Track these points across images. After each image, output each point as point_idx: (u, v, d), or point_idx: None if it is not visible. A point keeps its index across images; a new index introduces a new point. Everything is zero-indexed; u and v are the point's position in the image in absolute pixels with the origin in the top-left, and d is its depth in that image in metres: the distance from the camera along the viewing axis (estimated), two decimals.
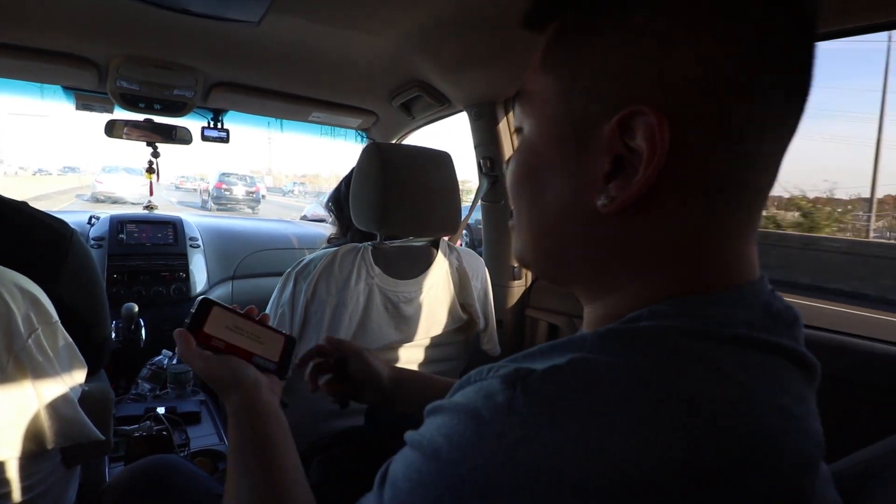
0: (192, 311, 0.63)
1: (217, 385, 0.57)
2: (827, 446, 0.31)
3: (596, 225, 0.34)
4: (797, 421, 0.29)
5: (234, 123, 1.83)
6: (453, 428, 0.29)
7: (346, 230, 1.17)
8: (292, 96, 1.59)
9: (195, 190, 23.55)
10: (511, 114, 1.40)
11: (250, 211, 16.41)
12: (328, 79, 1.42)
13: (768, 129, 0.31)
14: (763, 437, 0.26)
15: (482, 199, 1.53)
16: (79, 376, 0.70)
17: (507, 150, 1.42)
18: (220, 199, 16.46)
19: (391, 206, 0.93)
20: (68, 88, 1.56)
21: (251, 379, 0.57)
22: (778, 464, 0.26)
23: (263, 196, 18.47)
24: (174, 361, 1.48)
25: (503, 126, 1.39)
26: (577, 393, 0.27)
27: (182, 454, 1.14)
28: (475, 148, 1.49)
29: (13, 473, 0.63)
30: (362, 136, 2.04)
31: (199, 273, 1.85)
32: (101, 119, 1.68)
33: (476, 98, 1.36)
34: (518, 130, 0.40)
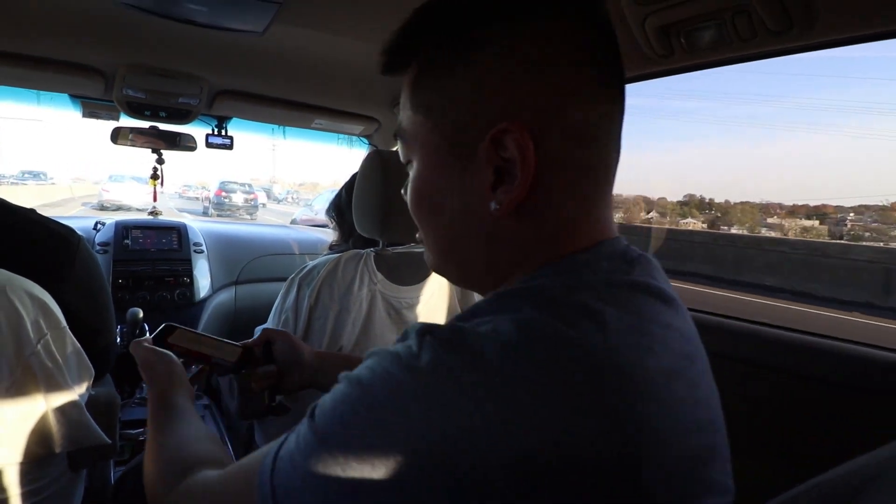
0: (155, 332, 0.75)
1: (149, 373, 0.69)
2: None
3: (493, 229, 0.41)
4: (653, 337, 0.34)
5: (239, 130, 1.85)
6: (377, 363, 0.34)
7: (348, 237, 1.18)
8: (295, 103, 1.61)
9: (197, 198, 24.29)
10: None
11: (249, 217, 16.92)
12: (331, 86, 1.44)
13: (603, 123, 0.39)
14: (620, 353, 0.32)
15: None
16: (86, 381, 0.71)
17: None
18: (220, 206, 17.24)
19: (393, 213, 0.94)
20: (75, 97, 1.59)
21: (179, 376, 0.69)
22: (639, 374, 0.32)
23: (263, 204, 19.46)
24: None
25: None
26: (472, 340, 0.32)
27: None
28: None
29: (22, 477, 0.64)
30: (364, 143, 2.06)
31: (203, 278, 1.87)
32: (94, 124, 1.70)
33: None
34: (407, 163, 0.46)
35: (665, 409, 0.32)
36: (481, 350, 0.31)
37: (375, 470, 0.30)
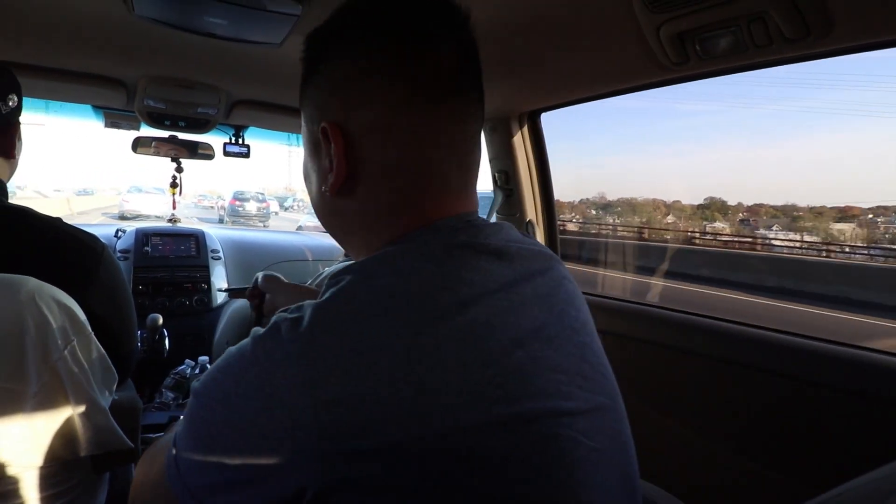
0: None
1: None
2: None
3: (333, 206, 0.51)
4: (459, 280, 0.42)
5: (255, 139, 1.88)
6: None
7: None
8: None
9: (212, 207, 25.04)
10: (526, 128, 1.41)
11: (262, 224, 17.43)
12: None
13: (415, 128, 0.46)
14: (412, 289, 0.40)
15: (497, 213, 1.54)
16: (110, 386, 0.73)
17: (523, 164, 1.44)
18: (234, 215, 17.93)
19: None
20: (98, 107, 1.63)
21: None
22: (429, 303, 0.40)
23: (275, 212, 20.44)
24: (196, 371, 1.51)
25: (518, 140, 1.41)
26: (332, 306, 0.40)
27: None
28: (490, 161, 1.51)
29: (47, 479, 0.66)
30: None
31: (220, 285, 1.89)
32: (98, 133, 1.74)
33: (491, 112, 1.39)
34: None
35: (455, 329, 0.39)
36: (301, 317, 0.39)
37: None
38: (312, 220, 11.43)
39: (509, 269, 0.45)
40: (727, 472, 1.10)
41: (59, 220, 0.82)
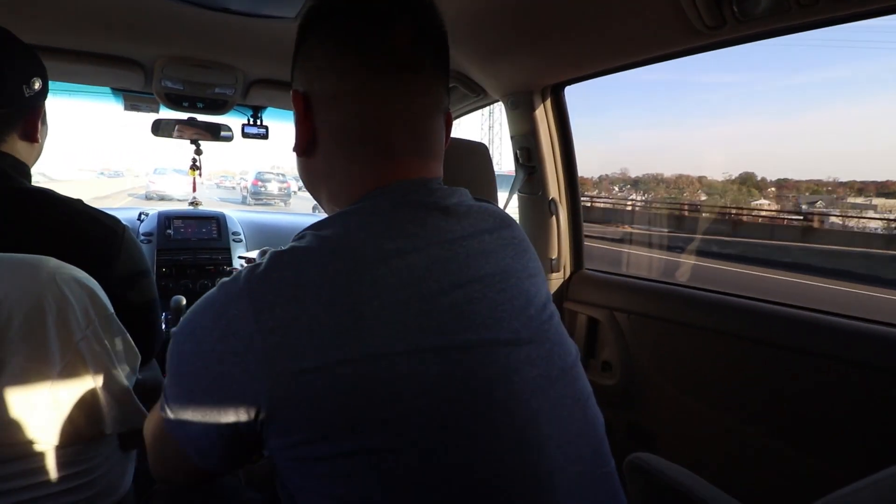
0: None
1: None
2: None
3: (302, 164, 0.58)
4: (402, 231, 0.47)
5: (274, 120, 1.87)
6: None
7: None
8: None
9: (233, 188, 26.21)
10: (549, 103, 1.37)
11: (283, 204, 18.40)
12: None
13: (372, 97, 0.51)
14: (352, 238, 0.46)
15: (518, 192, 1.51)
16: (133, 365, 0.73)
17: (545, 141, 1.39)
18: (257, 195, 18.78)
19: None
20: (117, 90, 1.63)
21: None
22: (370, 250, 0.45)
23: (295, 192, 21.05)
24: None
25: (540, 116, 1.37)
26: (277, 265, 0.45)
27: None
28: (511, 138, 1.47)
29: (76, 456, 0.67)
30: None
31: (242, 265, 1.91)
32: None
33: (513, 87, 1.34)
34: None
35: (394, 269, 0.44)
36: (260, 263, 0.45)
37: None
38: None
39: (457, 225, 0.50)
40: (759, 455, 1.07)
41: (79, 201, 0.82)
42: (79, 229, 0.77)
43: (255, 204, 18.03)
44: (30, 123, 0.81)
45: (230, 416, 0.43)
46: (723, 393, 1.14)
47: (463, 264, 0.48)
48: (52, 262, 0.63)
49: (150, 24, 1.13)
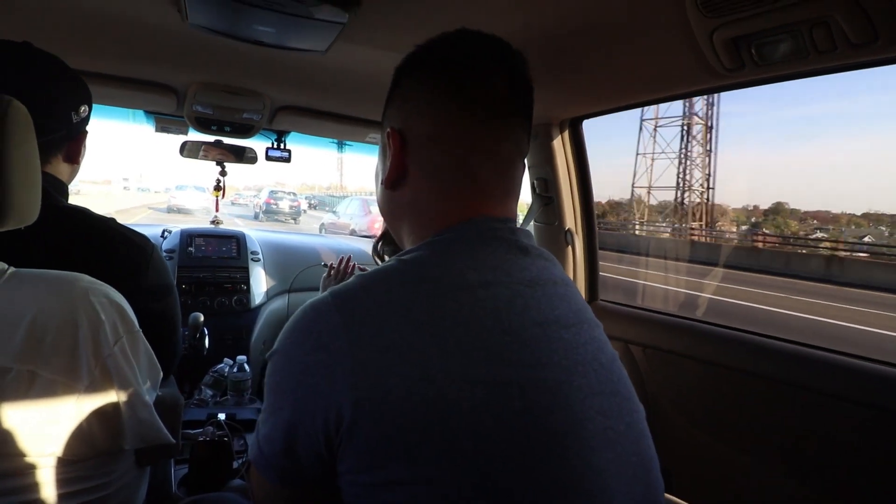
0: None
1: None
2: None
3: (387, 196, 0.62)
4: (484, 262, 0.49)
5: (294, 144, 1.92)
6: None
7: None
8: (351, 118, 1.66)
9: (247, 205, 27.79)
10: (567, 135, 1.39)
11: (293, 221, 19.82)
12: None
13: (466, 140, 0.55)
14: (440, 267, 0.49)
15: (535, 221, 1.52)
16: (155, 382, 0.75)
17: (563, 172, 1.41)
18: (269, 212, 20.09)
19: None
20: (150, 113, 1.70)
21: None
22: (458, 279, 0.48)
23: (305, 210, 22.77)
24: (234, 370, 1.55)
25: (558, 147, 1.39)
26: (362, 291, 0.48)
27: (240, 460, 1.19)
28: (529, 169, 1.49)
29: (93, 470, 0.68)
30: None
31: (259, 286, 1.94)
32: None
33: (533, 118, 1.37)
34: None
35: (477, 300, 0.46)
36: (347, 283, 0.48)
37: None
38: (333, 219, 12.66)
39: (533, 265, 0.52)
40: (779, 498, 1.04)
41: (112, 220, 0.85)
42: (110, 247, 0.80)
43: (266, 220, 19.24)
44: (74, 147, 0.85)
45: (315, 430, 0.44)
46: (742, 432, 1.12)
47: (541, 303, 0.49)
48: (86, 279, 0.65)
49: (187, 53, 1.18)
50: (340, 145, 2.04)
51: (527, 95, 0.59)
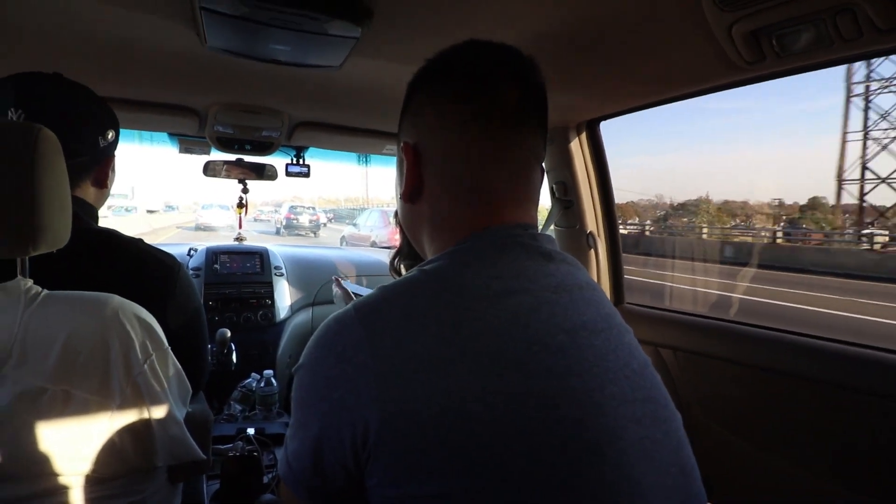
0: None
1: None
2: None
3: (406, 209, 0.63)
4: (505, 270, 0.49)
5: (312, 159, 1.95)
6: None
7: (418, 253, 1.17)
8: (367, 131, 1.67)
9: (268, 220, 28.82)
10: (584, 137, 1.38)
11: (313, 235, 20.46)
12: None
13: (478, 149, 0.55)
14: (463, 274, 0.48)
15: (555, 225, 1.51)
16: (185, 399, 0.76)
17: (582, 175, 1.40)
18: (289, 227, 20.75)
19: None
20: (173, 135, 1.75)
21: None
22: (479, 285, 0.47)
23: (324, 224, 23.32)
24: (262, 384, 1.56)
25: (576, 149, 1.38)
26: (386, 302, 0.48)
27: (269, 475, 1.20)
28: (547, 173, 1.48)
29: (127, 488, 0.69)
30: None
31: (283, 300, 1.96)
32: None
33: (549, 122, 1.36)
34: None
35: (501, 308, 0.45)
36: (369, 296, 0.49)
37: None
38: (353, 231, 12.83)
39: (557, 271, 0.52)
40: None
41: (140, 240, 0.87)
42: (139, 267, 0.82)
43: (287, 235, 19.91)
44: (102, 171, 0.88)
45: (342, 444, 0.44)
46: (785, 437, 1.07)
47: (568, 309, 0.48)
48: (116, 299, 0.67)
49: (206, 75, 1.21)
50: (359, 158, 2.06)
51: (540, 101, 0.59)
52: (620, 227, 1.49)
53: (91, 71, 1.16)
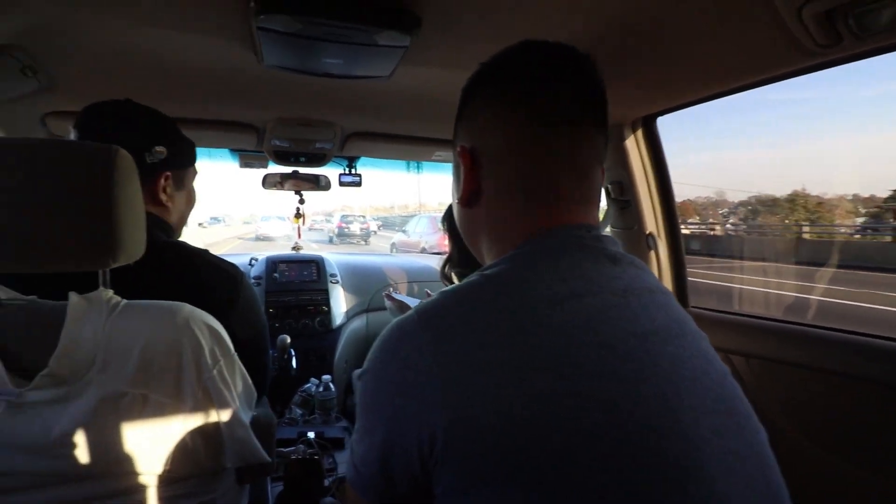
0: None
1: None
2: None
3: (463, 214, 0.62)
4: (570, 272, 0.47)
5: (366, 168, 1.99)
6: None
7: (468, 258, 1.15)
8: (417, 138, 1.69)
9: (321, 230, 30.16)
10: (640, 133, 1.33)
11: (364, 243, 21.20)
12: (453, 118, 1.49)
13: (538, 149, 0.54)
14: (525, 279, 0.47)
15: (611, 226, 1.46)
16: (250, 403, 0.78)
17: (639, 174, 1.35)
18: (342, 235, 21.73)
19: None
20: (234, 150, 1.84)
21: None
22: (543, 292, 0.45)
23: (374, 231, 24.25)
24: (320, 389, 1.61)
25: (632, 147, 1.33)
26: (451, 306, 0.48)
27: (330, 479, 1.22)
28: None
29: (198, 488, 0.72)
30: None
31: (338, 307, 2.01)
32: None
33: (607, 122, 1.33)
34: None
35: (569, 312, 0.43)
36: (431, 301, 0.48)
37: None
38: (403, 238, 13.08)
39: (624, 273, 0.50)
40: None
41: (206, 251, 0.91)
42: (205, 277, 0.86)
43: (339, 243, 20.78)
44: (153, 188, 0.90)
45: (409, 450, 0.44)
46: (875, 450, 0.98)
47: (637, 313, 0.46)
48: (187, 308, 0.70)
49: (264, 92, 1.27)
50: (408, 165, 2.09)
51: (598, 99, 0.57)
52: (682, 227, 1.43)
53: (159, 94, 1.24)
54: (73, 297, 0.64)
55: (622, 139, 1.32)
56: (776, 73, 0.96)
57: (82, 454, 0.61)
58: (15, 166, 0.61)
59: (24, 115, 1.26)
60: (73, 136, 0.86)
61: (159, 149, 0.89)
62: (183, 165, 0.97)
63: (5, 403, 0.60)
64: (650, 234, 1.37)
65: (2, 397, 0.60)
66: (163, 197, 0.92)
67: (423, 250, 10.43)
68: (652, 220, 1.38)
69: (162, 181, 0.91)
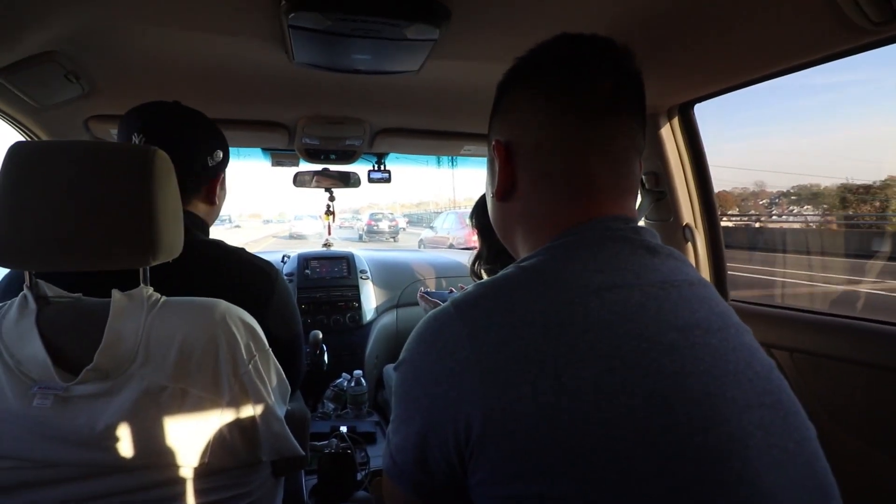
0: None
1: None
2: None
3: (498, 208, 0.62)
4: (607, 263, 0.47)
5: (394, 164, 2.00)
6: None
7: (498, 254, 1.14)
8: (445, 133, 1.69)
9: (351, 227, 31.30)
10: (676, 122, 1.28)
11: (392, 240, 21.68)
12: (482, 112, 1.48)
13: (575, 141, 0.53)
14: (563, 268, 0.47)
15: (646, 218, 1.42)
16: (284, 397, 0.80)
17: (675, 163, 1.30)
18: (371, 232, 22.61)
19: None
20: (266, 149, 1.87)
21: None
22: (581, 280, 0.45)
23: (403, 228, 24.91)
24: (352, 384, 1.62)
25: (668, 137, 1.28)
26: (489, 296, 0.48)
27: (362, 472, 1.23)
28: None
29: (235, 480, 0.74)
30: None
31: (368, 302, 2.03)
32: None
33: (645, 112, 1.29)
34: None
35: (607, 303, 0.43)
36: (467, 292, 0.49)
37: None
38: (430, 234, 13.19)
39: (663, 265, 0.49)
40: None
41: (243, 250, 0.93)
42: (241, 274, 0.88)
43: (368, 240, 21.28)
44: (211, 189, 0.95)
45: (446, 440, 0.44)
46: None
47: (678, 306, 0.46)
48: (223, 304, 0.71)
49: (295, 90, 1.28)
50: (439, 161, 2.08)
51: (636, 90, 0.56)
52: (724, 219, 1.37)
53: (194, 96, 1.27)
54: (116, 294, 0.66)
55: (657, 128, 1.28)
56: (823, 55, 0.90)
57: (125, 446, 0.63)
58: (61, 168, 0.64)
59: (68, 119, 1.32)
60: (116, 137, 0.90)
61: (220, 152, 0.94)
62: (227, 166, 1.00)
63: (53, 398, 0.62)
64: (686, 226, 1.32)
65: (50, 392, 0.62)
66: (216, 198, 0.97)
67: (451, 246, 10.44)
68: (689, 212, 1.33)
69: (218, 182, 0.97)
